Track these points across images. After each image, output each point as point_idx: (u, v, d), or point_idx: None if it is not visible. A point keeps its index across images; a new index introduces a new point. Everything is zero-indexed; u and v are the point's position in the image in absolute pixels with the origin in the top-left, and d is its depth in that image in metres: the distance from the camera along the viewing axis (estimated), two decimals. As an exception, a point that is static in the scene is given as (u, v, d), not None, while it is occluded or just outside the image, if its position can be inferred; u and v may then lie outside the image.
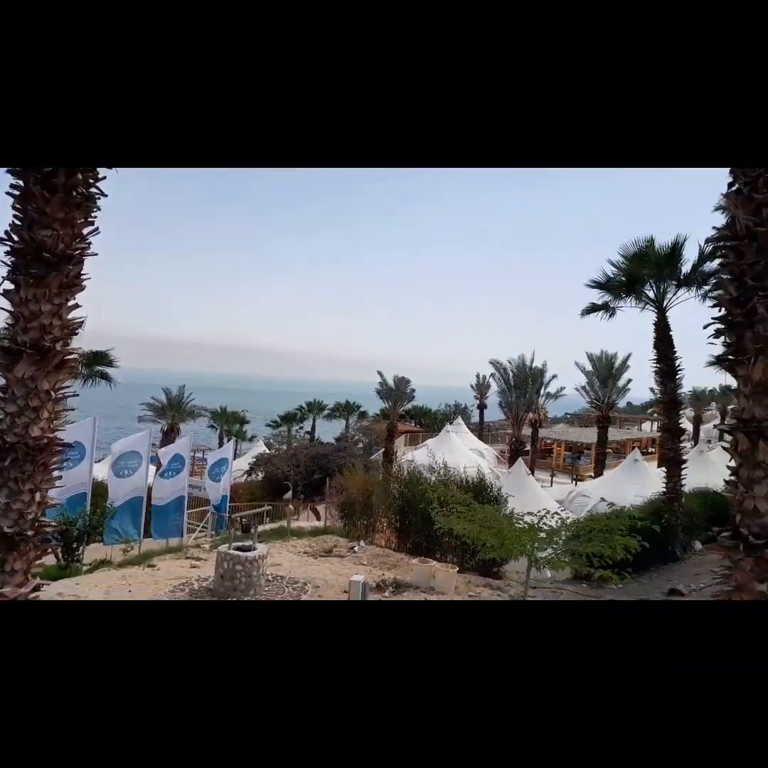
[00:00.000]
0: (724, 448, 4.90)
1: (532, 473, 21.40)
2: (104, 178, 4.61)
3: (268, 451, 34.16)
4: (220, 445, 42.33)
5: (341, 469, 19.15)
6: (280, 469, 24.78)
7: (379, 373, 28.27)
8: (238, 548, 9.29)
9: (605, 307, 15.32)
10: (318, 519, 19.03)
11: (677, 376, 13.48)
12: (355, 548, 12.96)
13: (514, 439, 27.56)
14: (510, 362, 28.35)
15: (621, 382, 30.41)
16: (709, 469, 17.12)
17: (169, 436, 27.07)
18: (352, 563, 11.76)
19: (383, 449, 28.30)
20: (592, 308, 15.62)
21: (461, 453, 26.27)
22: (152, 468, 16.10)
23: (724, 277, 4.88)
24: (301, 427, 48.23)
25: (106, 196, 4.66)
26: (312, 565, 11.31)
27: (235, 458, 26.63)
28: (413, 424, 44.99)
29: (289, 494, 21.71)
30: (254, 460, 29.03)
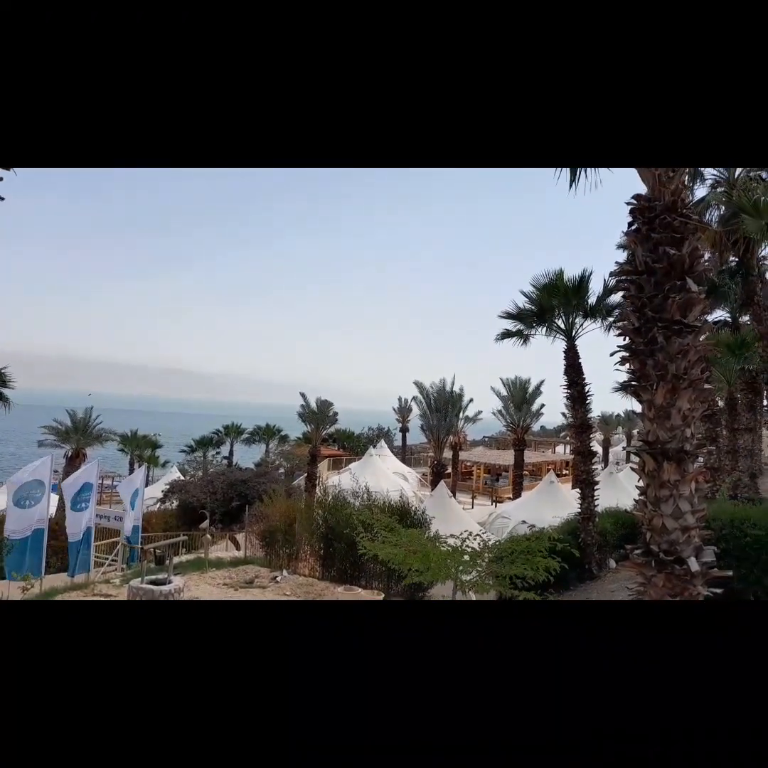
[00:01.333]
0: (633, 469, 5.23)
1: (454, 495, 21.84)
2: (1, 179, 4.17)
3: (182, 477, 32.75)
4: (131, 471, 40.12)
5: (261, 496, 18.64)
6: (195, 497, 23.76)
7: (302, 394, 27.96)
8: (151, 582, 8.82)
9: (519, 334, 16.02)
10: (237, 548, 18.39)
11: (587, 401, 14.27)
12: (278, 578, 12.60)
13: (435, 462, 28.10)
14: (432, 386, 29.22)
15: (535, 407, 32.07)
16: (618, 489, 18.16)
17: (73, 462, 25.33)
18: (275, 594, 11.43)
19: (306, 474, 27.80)
20: (506, 334, 16.29)
21: (385, 476, 26.45)
22: (55, 497, 15.01)
23: (628, 308, 5.27)
24: (218, 452, 46.65)
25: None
26: (233, 597, 10.90)
27: (147, 485, 25.32)
28: (337, 448, 44.56)
29: (206, 523, 20.84)
30: (168, 487, 27.68)
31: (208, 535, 16.94)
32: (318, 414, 27.54)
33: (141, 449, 41.94)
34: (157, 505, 26.30)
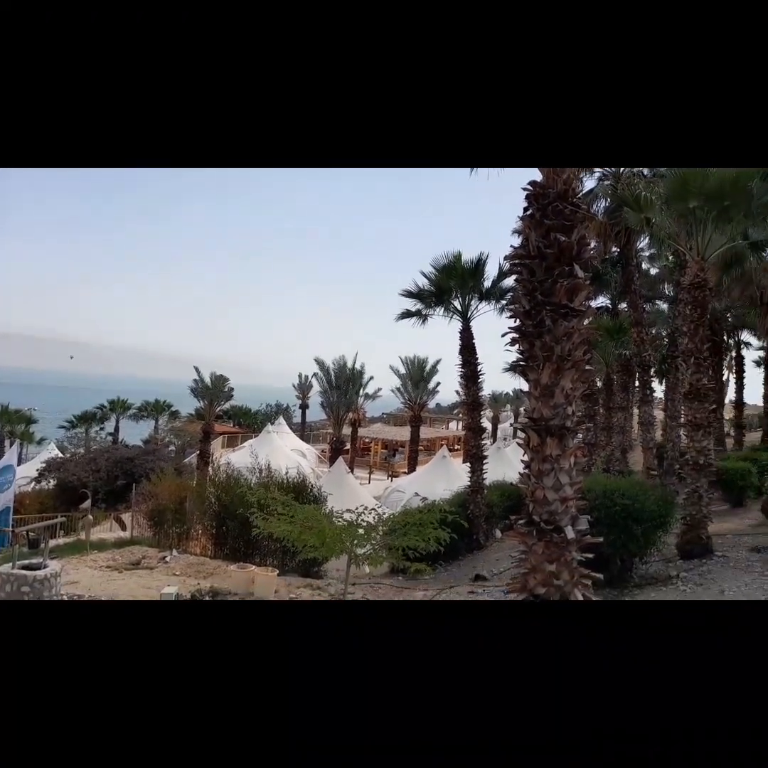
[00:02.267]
0: (519, 445, 5.52)
1: (352, 471, 22.08)
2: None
3: (61, 455, 30.44)
4: (1, 449, 36.68)
5: (149, 474, 17.75)
6: (76, 476, 22.16)
7: (196, 369, 26.80)
8: (23, 567, 8.13)
9: (418, 314, 16.29)
10: (123, 529, 17.44)
11: (479, 380, 14.85)
12: (167, 558, 12.09)
13: (334, 439, 28.25)
14: (334, 362, 29.17)
15: (431, 385, 33.25)
16: (505, 463, 19.13)
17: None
18: (164, 575, 10.94)
19: (198, 452, 26.80)
20: (406, 314, 16.52)
21: (283, 453, 26.05)
22: None
23: (520, 292, 5.48)
24: (101, 428, 43.83)
25: None
26: (116, 581, 10.33)
27: (19, 463, 23.30)
28: (232, 425, 43.37)
29: (87, 503, 19.54)
30: (44, 465, 25.62)
31: (89, 516, 15.93)
32: (212, 389, 26.52)
33: (13, 424, 38.51)
34: (31, 485, 24.31)
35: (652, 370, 19.09)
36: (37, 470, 25.34)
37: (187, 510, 13.36)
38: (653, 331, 21.58)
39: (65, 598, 8.70)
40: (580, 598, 4.99)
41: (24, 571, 7.95)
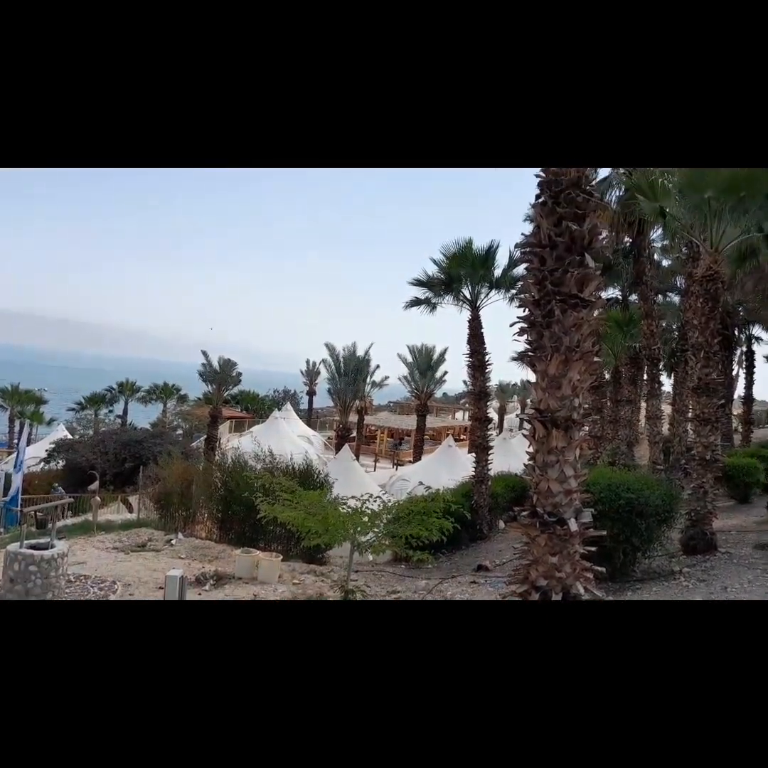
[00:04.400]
0: (524, 436, 5.44)
1: (358, 459, 22.06)
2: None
3: (70, 436, 30.71)
4: (11, 428, 37.03)
5: (157, 457, 17.81)
6: (84, 457, 22.32)
7: (204, 353, 26.82)
8: (31, 546, 8.21)
9: (427, 302, 16.21)
10: (130, 511, 17.61)
11: (486, 370, 14.77)
12: (173, 541, 12.14)
13: (341, 426, 28.43)
14: (344, 349, 29.19)
15: (438, 374, 32.89)
16: (510, 454, 19.02)
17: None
18: (169, 557, 11.00)
19: (205, 436, 26.91)
20: (415, 302, 16.44)
21: (289, 440, 26.14)
22: None
23: (529, 281, 5.40)
24: (110, 410, 44.13)
25: None
26: (123, 562, 10.41)
27: (28, 444, 23.51)
28: (239, 410, 43.36)
29: (95, 485, 19.72)
30: (53, 446, 25.86)
31: (97, 497, 16.07)
32: (220, 373, 26.54)
33: (23, 405, 38.82)
34: (40, 466, 24.55)
35: (661, 363, 18.94)
36: (46, 451, 25.60)
37: (194, 494, 13.38)
38: (663, 324, 21.35)
39: (72, 578, 8.79)
40: (582, 591, 4.98)
41: (32, 551, 8.03)
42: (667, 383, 21.39)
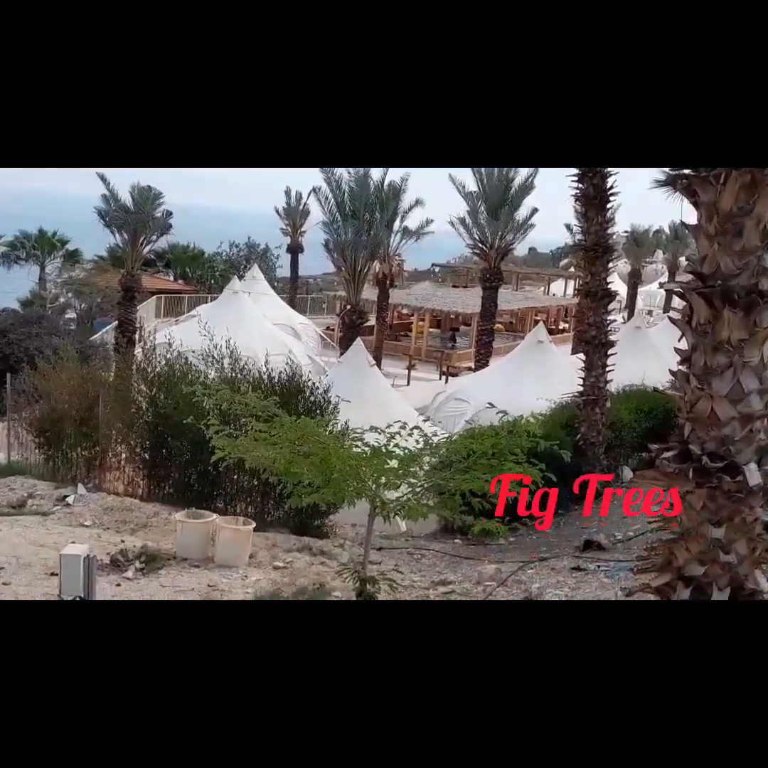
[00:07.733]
0: (672, 321, 3.77)
1: (379, 364, 15.47)
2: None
3: None
4: None
5: (34, 359, 11.94)
6: None
7: (101, 177, 16.64)
8: None
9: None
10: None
11: (609, 206, 9.50)
12: (70, 498, 8.67)
13: (348, 307, 18.30)
14: (350, 173, 17.46)
15: (521, 214, 19.93)
16: (646, 355, 13.34)
17: None
18: (65, 524, 7.78)
19: (117, 322, 18.10)
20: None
21: (261, 330, 18.21)
22: None
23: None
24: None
25: None
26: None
27: None
28: (172, 278, 30.14)
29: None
30: None
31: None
32: (135, 212, 16.95)
33: None
34: None
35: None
36: None
37: (101, 420, 9.47)
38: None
39: None
40: (763, 583, 3.61)
41: None
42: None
